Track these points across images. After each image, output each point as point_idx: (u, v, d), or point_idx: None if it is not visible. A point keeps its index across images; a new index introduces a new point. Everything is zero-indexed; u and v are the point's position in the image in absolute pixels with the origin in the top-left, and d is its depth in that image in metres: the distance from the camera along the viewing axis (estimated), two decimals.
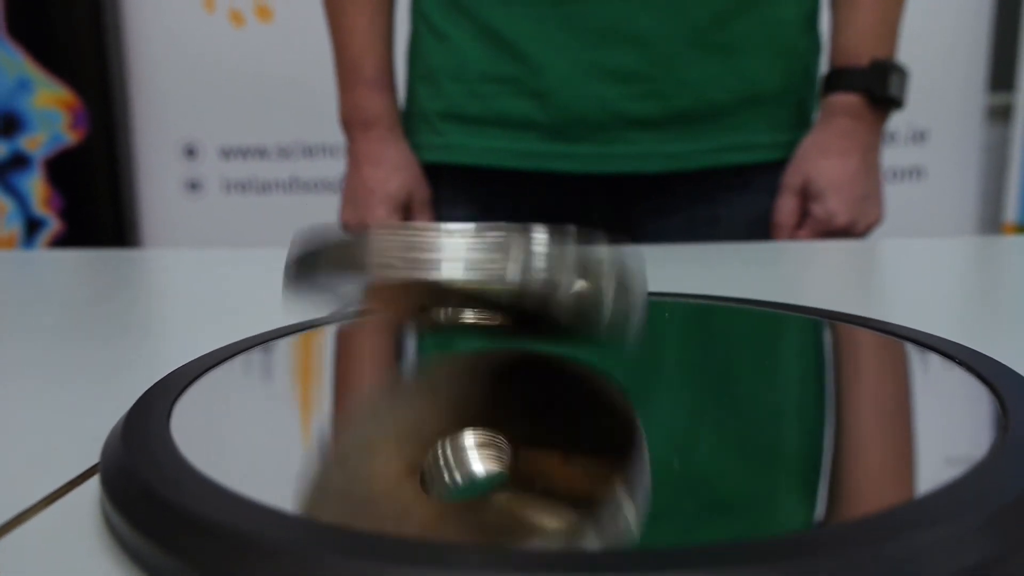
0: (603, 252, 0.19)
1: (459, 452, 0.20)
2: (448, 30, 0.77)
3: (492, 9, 0.74)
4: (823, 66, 0.79)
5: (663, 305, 0.35)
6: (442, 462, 0.20)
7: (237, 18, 1.93)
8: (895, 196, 1.51)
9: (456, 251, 0.18)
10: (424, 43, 0.79)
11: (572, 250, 0.19)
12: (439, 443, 0.20)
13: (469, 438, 0.20)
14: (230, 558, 0.15)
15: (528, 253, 0.18)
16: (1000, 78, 1.82)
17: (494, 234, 0.18)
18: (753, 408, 0.24)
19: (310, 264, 0.20)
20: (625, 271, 0.20)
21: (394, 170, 0.79)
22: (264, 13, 1.92)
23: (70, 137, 2.03)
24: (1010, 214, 1.84)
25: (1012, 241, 0.65)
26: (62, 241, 2.05)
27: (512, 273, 0.18)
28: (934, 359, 0.25)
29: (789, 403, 0.24)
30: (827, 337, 0.30)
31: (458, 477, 0.19)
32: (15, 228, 2.04)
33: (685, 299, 0.36)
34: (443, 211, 0.81)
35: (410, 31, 0.82)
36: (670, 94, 0.73)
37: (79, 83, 2.01)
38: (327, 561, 0.14)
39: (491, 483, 0.19)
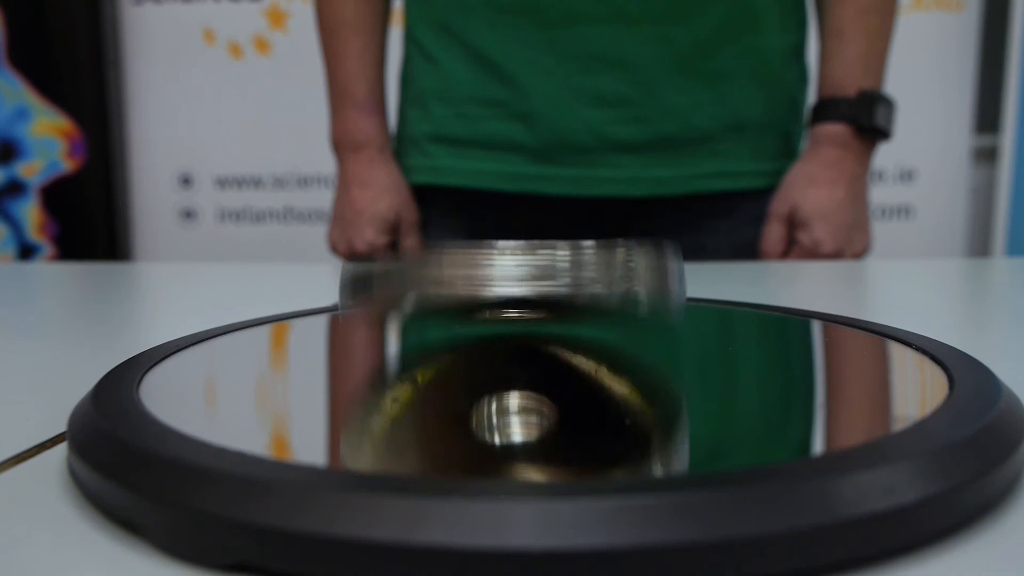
0: (643, 257, 0.22)
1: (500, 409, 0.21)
2: (438, 54, 0.78)
3: (481, 33, 0.75)
4: (811, 96, 0.81)
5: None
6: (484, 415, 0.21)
7: (236, 50, 1.96)
8: (884, 233, 1.52)
9: (511, 271, 0.21)
10: (415, 67, 0.81)
11: (617, 258, 0.21)
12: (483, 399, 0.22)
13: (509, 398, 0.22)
14: (187, 490, 0.15)
15: (580, 266, 0.21)
16: (986, 121, 1.85)
17: (545, 252, 0.21)
18: (747, 384, 0.26)
19: (366, 285, 0.22)
20: (664, 273, 0.22)
21: (383, 192, 0.80)
22: (263, 46, 1.95)
23: (67, 165, 2.04)
24: (997, 252, 1.86)
25: (969, 263, 0.66)
26: None
27: (568, 286, 0.21)
28: (894, 345, 0.26)
29: (773, 381, 0.26)
30: (806, 331, 0.32)
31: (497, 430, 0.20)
32: (9, 253, 2.05)
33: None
34: (431, 232, 0.82)
35: (402, 55, 0.84)
36: (654, 119, 0.74)
37: (78, 112, 2.03)
38: (272, 488, 0.15)
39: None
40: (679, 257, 0.23)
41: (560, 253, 0.21)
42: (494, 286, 0.21)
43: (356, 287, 0.22)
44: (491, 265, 0.21)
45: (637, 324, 0.23)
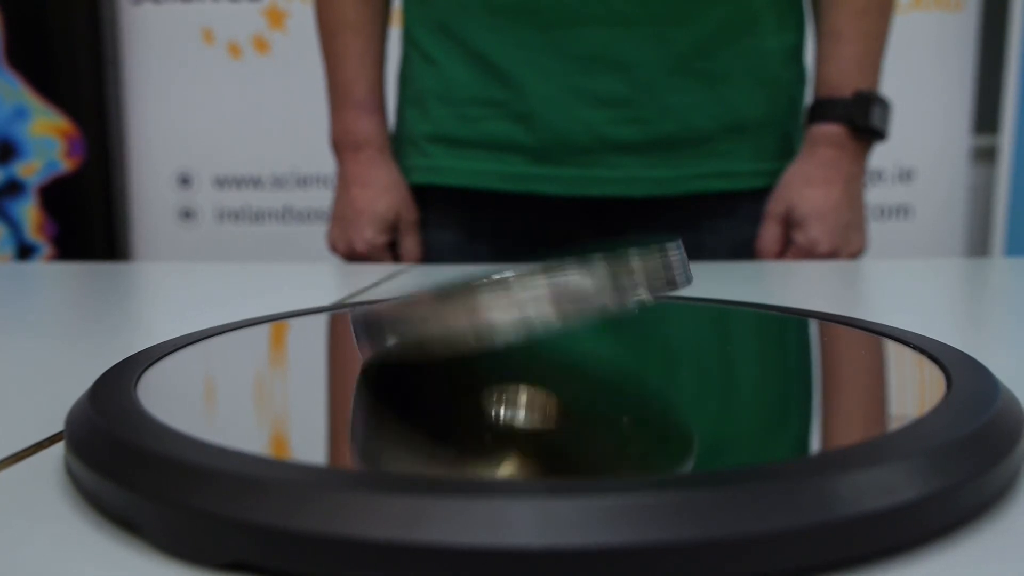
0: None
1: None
2: (437, 55, 0.78)
3: (480, 35, 0.75)
4: (808, 97, 0.81)
5: (659, 306, 0.37)
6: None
7: (235, 50, 1.96)
8: (883, 233, 1.52)
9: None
10: (414, 67, 0.81)
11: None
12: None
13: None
14: (185, 489, 0.15)
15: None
16: (984, 121, 1.85)
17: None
18: (746, 383, 0.26)
19: (379, 331, 0.21)
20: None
21: (382, 191, 0.80)
22: (262, 46, 1.95)
23: (65, 165, 2.04)
24: (995, 252, 1.86)
25: (968, 263, 0.66)
26: None
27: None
28: (892, 345, 0.26)
29: (772, 380, 0.27)
30: (804, 330, 0.32)
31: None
32: (7, 253, 2.05)
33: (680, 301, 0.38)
34: (430, 232, 0.82)
35: (401, 55, 0.84)
36: (653, 120, 0.74)
37: (76, 112, 2.03)
38: (270, 487, 0.15)
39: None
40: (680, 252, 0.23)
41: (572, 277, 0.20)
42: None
43: (370, 334, 0.22)
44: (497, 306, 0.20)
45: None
